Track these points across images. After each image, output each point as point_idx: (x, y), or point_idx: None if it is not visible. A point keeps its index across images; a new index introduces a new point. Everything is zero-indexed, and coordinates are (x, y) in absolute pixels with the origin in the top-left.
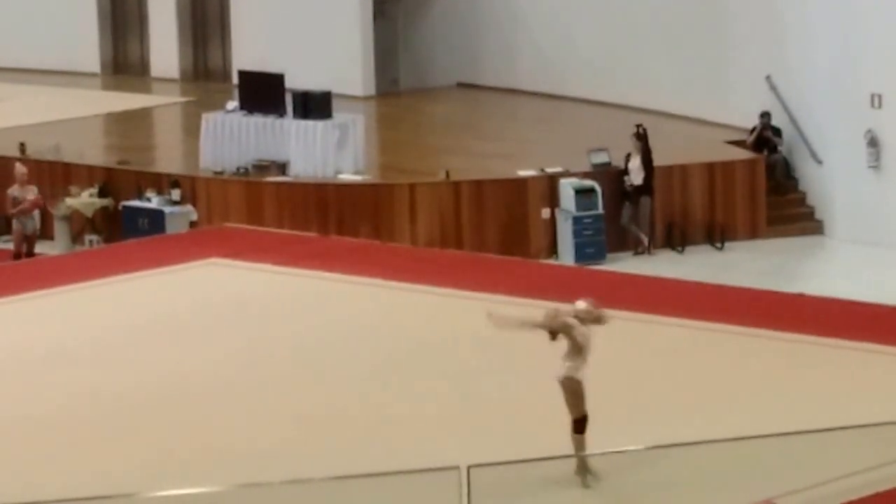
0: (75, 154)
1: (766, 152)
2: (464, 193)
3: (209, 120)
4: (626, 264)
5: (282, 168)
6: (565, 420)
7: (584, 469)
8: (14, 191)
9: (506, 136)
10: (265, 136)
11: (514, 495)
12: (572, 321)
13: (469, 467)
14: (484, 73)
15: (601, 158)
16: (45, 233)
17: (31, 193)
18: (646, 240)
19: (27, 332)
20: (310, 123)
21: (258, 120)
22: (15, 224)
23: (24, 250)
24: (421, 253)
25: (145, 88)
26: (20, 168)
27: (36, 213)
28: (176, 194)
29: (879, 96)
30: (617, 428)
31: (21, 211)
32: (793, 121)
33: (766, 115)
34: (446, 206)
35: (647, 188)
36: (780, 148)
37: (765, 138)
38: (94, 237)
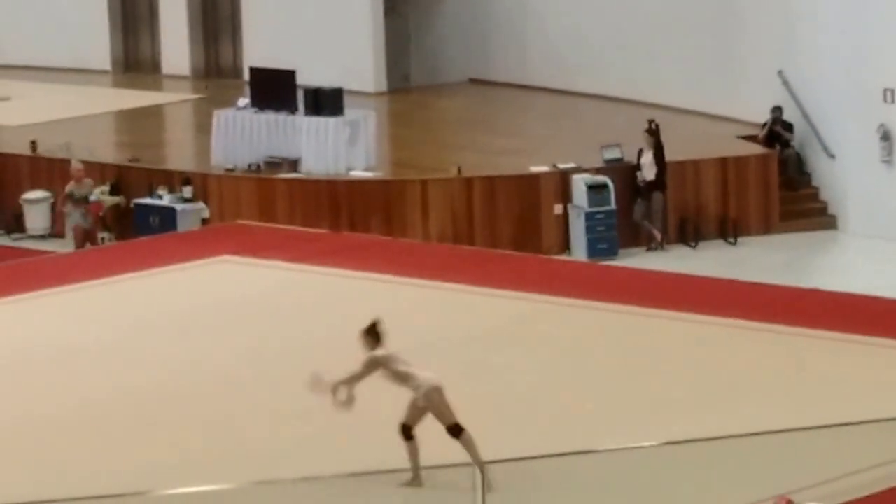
0: (86, 152)
1: (777, 147)
2: (476, 189)
3: (220, 117)
4: (638, 260)
5: (293, 165)
6: (578, 417)
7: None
8: (71, 187)
9: (518, 132)
10: (276, 133)
11: (529, 491)
12: (375, 355)
13: (484, 463)
14: (496, 69)
15: (613, 154)
16: (57, 231)
17: (87, 188)
18: (658, 235)
19: (39, 330)
20: (321, 120)
21: (269, 117)
22: (79, 219)
23: (81, 243)
24: (433, 249)
25: (156, 86)
26: (77, 165)
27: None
28: (187, 191)
29: (892, 91)
30: (630, 424)
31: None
32: (805, 116)
33: (777, 110)
34: (458, 203)
35: (659, 183)
36: (791, 143)
37: (775, 133)
38: (106, 235)
